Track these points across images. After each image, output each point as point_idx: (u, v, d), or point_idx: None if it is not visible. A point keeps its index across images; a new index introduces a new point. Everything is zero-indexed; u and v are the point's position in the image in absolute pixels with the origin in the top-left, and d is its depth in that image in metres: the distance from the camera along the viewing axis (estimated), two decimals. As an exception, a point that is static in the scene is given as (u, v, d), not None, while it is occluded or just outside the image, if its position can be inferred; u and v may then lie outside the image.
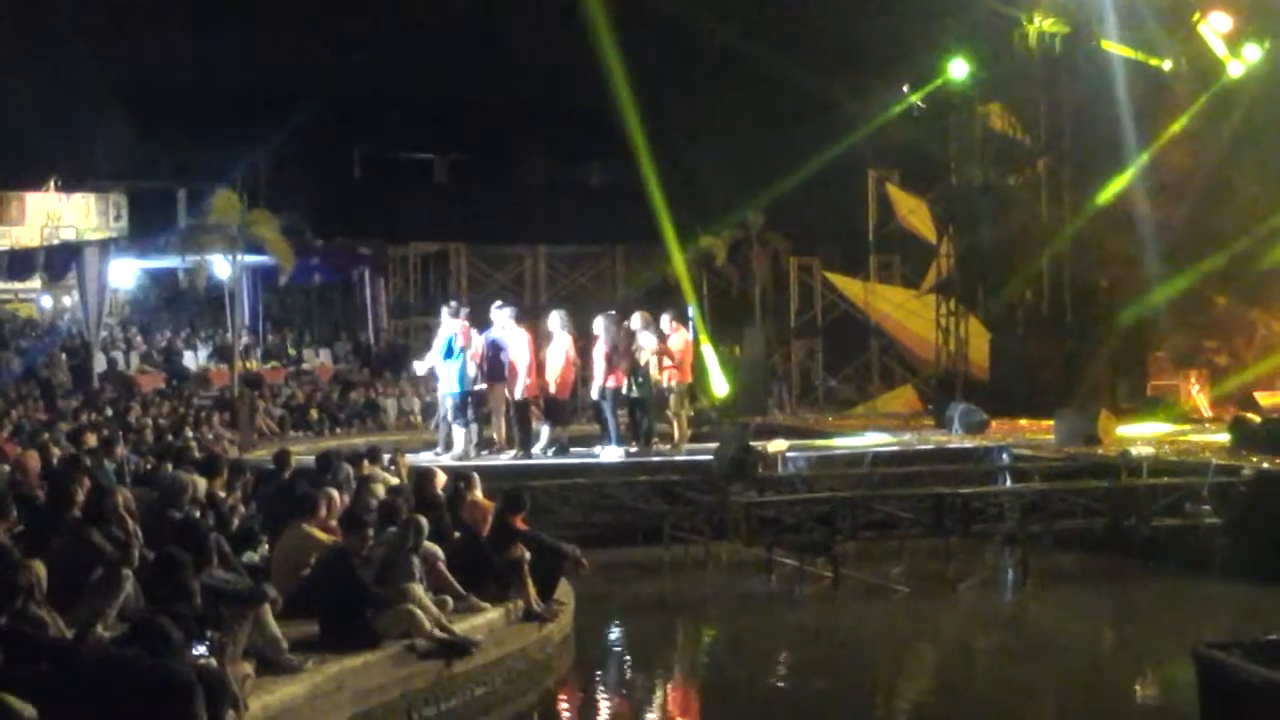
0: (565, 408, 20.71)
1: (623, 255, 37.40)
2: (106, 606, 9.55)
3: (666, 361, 20.23)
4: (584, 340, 20.75)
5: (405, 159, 44.87)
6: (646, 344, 19.80)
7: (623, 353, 19.58)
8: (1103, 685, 12.81)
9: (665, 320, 20.61)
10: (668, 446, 20.55)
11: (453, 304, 20.36)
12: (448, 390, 19.49)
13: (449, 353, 19.28)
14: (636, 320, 19.95)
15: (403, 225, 36.32)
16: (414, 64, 38.47)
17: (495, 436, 20.31)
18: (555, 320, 20.03)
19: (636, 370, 19.71)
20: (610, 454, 19.70)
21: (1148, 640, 14.65)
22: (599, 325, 19.78)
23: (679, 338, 20.68)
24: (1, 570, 8.29)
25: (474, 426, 19.50)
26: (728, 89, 35.67)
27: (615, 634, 15.23)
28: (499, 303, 20.57)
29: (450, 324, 19.42)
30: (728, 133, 35.15)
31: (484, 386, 19.46)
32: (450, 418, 19.63)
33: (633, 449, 19.89)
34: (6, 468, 14.11)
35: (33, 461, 14.13)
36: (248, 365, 26.11)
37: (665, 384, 20.40)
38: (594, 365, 19.92)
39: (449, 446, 19.47)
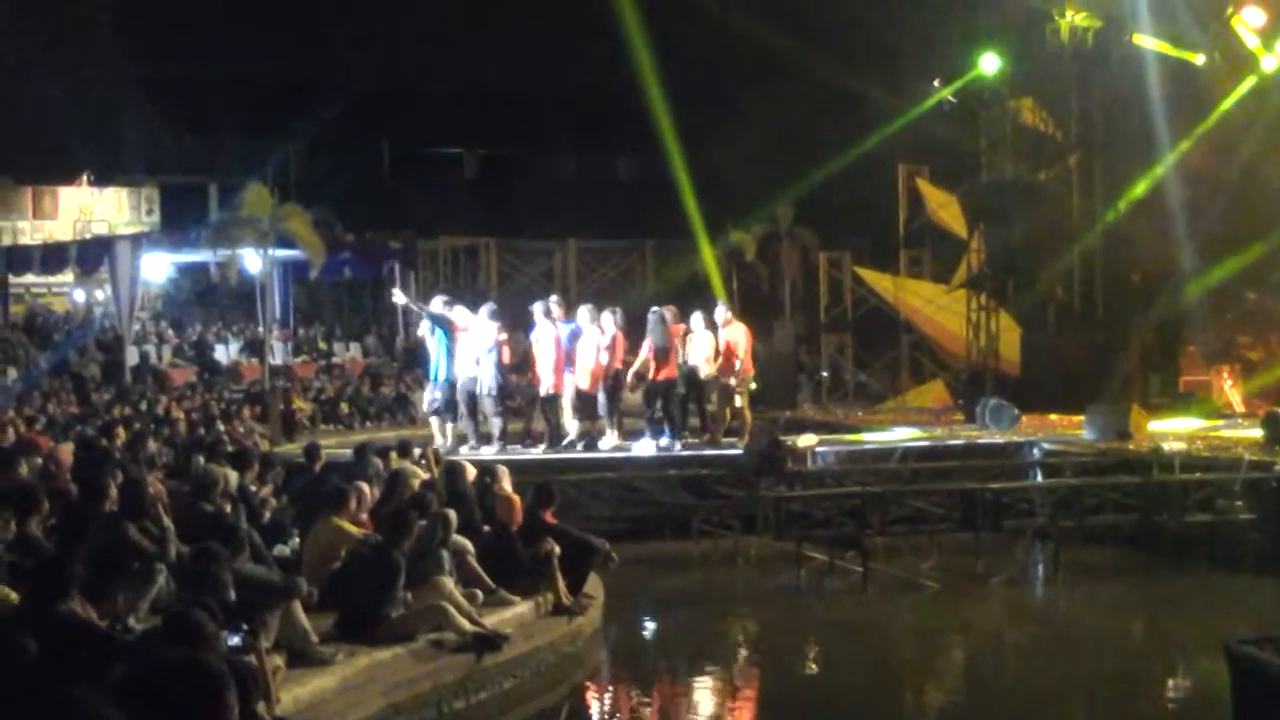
0: (595, 402, 20.69)
1: (652, 250, 37.31)
2: (139, 599, 9.61)
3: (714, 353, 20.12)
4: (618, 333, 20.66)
5: (435, 153, 45.01)
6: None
7: (669, 348, 19.54)
8: (1134, 680, 12.77)
9: (720, 312, 20.55)
10: (702, 438, 20.49)
11: (445, 297, 20.18)
12: (438, 381, 19.37)
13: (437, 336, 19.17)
14: (668, 315, 19.91)
15: (433, 219, 36.30)
16: (444, 59, 38.56)
17: (530, 429, 20.36)
18: (584, 315, 20.00)
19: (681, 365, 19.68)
20: (652, 447, 19.59)
21: (1179, 635, 14.60)
22: (651, 321, 19.68)
23: (737, 331, 20.60)
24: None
25: (457, 422, 19.36)
26: (758, 83, 35.58)
27: (644, 628, 15.24)
28: (555, 297, 20.58)
29: (460, 316, 19.24)
30: (758, 127, 35.02)
31: (476, 383, 19.22)
32: (442, 409, 19.48)
33: (685, 440, 19.87)
34: (39, 460, 14.18)
35: (65, 455, 14.22)
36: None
37: (721, 378, 20.28)
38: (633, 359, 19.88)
39: (481, 440, 19.40)
